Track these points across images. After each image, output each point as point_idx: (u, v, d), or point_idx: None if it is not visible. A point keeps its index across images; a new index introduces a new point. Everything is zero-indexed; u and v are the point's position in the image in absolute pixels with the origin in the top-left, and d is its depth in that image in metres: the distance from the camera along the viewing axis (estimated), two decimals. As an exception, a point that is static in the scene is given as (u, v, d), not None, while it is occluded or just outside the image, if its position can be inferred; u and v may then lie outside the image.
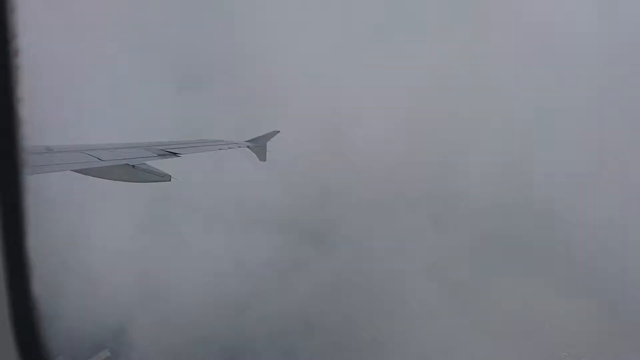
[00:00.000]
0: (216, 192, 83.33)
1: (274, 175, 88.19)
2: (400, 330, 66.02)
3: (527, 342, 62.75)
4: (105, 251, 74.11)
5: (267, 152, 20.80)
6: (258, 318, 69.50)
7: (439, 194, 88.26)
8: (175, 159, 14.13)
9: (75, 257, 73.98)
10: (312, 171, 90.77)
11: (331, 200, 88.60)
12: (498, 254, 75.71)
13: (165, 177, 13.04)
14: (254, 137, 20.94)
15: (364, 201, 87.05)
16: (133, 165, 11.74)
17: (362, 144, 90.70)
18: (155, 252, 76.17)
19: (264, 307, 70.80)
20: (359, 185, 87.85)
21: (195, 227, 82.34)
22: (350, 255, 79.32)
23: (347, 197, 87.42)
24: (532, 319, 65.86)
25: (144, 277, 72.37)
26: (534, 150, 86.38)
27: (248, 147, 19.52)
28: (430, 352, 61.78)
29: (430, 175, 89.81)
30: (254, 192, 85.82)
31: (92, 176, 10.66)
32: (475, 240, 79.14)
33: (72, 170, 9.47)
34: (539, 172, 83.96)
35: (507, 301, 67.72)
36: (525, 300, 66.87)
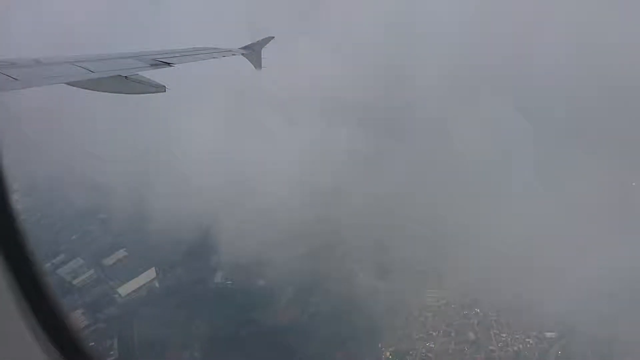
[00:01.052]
0: (293, 84, 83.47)
1: (345, 65, 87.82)
2: (483, 213, 67.85)
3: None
4: (191, 150, 75.08)
5: (262, 59, 20.56)
6: (343, 208, 71.28)
7: (519, 76, 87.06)
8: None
9: (164, 159, 75.23)
10: (385, 58, 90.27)
11: (406, 87, 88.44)
12: (578, 137, 75.76)
13: (159, 88, 12.82)
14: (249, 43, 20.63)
15: (440, 86, 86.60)
16: (125, 77, 11.50)
17: (435, 25, 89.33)
18: (238, 148, 77.55)
19: (349, 197, 72.57)
20: (434, 70, 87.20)
21: (275, 121, 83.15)
22: (431, 142, 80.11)
23: (422, 83, 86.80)
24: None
25: (230, 173, 74.09)
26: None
27: (243, 54, 19.21)
28: (516, 234, 64.06)
29: (507, 56, 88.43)
30: (328, 84, 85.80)
31: (84, 88, 10.45)
32: (555, 124, 79.00)
33: (62, 83, 9.32)
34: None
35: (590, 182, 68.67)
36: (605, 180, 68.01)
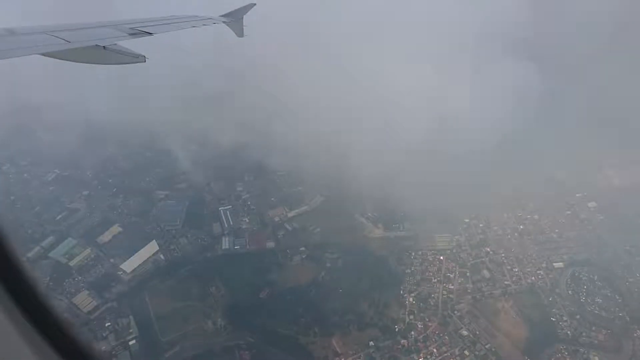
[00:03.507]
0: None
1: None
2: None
3: None
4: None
5: (244, 26, 20.21)
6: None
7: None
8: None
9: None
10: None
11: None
12: None
13: (139, 58, 12.27)
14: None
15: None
16: (104, 47, 10.98)
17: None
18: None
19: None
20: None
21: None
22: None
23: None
24: None
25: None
26: None
27: (224, 22, 18.81)
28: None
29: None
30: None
31: (60, 59, 10.06)
32: None
33: (38, 54, 8.97)
34: None
35: None
36: None
